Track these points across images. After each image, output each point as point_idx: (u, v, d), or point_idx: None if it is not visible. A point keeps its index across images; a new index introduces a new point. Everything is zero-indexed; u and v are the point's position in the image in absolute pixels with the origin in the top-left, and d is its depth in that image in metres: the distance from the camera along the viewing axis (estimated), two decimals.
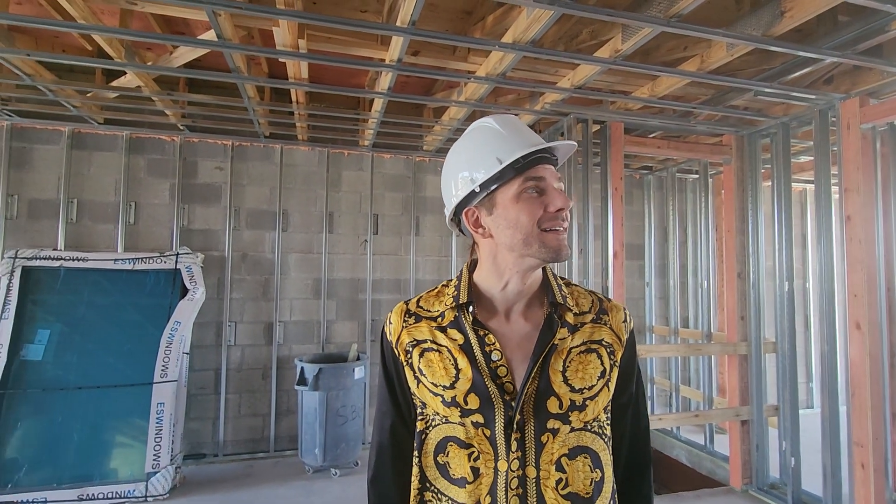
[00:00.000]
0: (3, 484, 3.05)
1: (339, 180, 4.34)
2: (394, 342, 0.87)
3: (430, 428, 0.82)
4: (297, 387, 3.61)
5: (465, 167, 0.85)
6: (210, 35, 2.39)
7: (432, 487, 0.82)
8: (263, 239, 4.13)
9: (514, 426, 0.76)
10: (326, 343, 4.20)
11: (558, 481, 0.76)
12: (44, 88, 3.04)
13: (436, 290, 0.91)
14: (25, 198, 3.66)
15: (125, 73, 2.95)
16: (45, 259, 3.52)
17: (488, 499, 0.76)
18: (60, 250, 3.62)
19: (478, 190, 0.83)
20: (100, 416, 3.30)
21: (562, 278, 0.92)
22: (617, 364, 0.85)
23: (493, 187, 0.82)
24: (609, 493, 0.81)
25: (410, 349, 0.85)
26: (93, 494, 3.10)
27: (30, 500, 3.01)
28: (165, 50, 2.81)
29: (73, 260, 3.57)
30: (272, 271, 4.12)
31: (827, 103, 2.90)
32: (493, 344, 0.80)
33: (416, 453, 0.84)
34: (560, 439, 0.77)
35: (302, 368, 3.60)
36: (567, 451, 0.77)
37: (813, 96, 2.84)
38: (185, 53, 2.70)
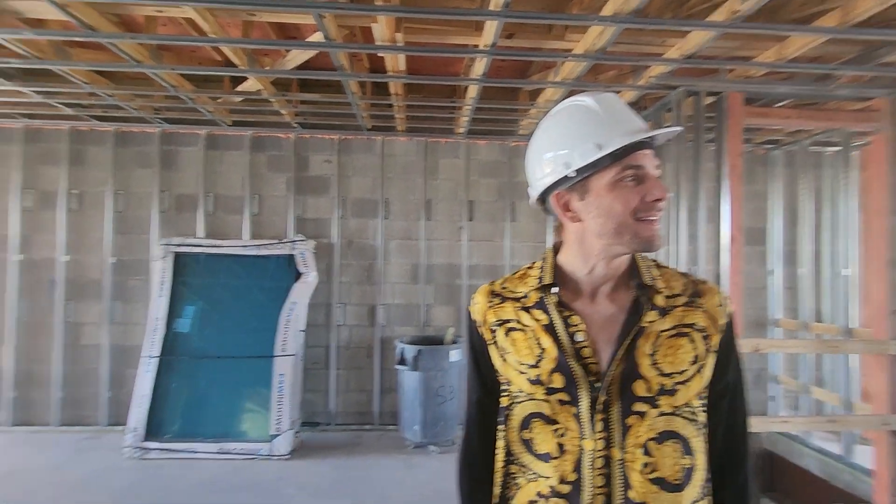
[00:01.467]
0: (161, 434, 3.64)
1: (436, 168, 4.45)
2: (479, 321, 0.90)
3: (515, 404, 0.84)
4: (397, 366, 3.82)
5: (556, 149, 0.83)
6: (317, 37, 2.58)
7: (517, 461, 0.84)
8: (367, 226, 4.39)
9: (600, 407, 0.77)
10: (425, 326, 4.38)
11: (645, 465, 0.75)
12: (185, 97, 3.50)
13: (520, 273, 0.92)
14: (174, 193, 4.27)
15: (247, 78, 3.29)
16: (189, 246, 4.09)
17: (574, 475, 0.77)
18: (201, 238, 4.18)
19: (572, 175, 0.80)
20: (233, 382, 3.79)
21: (652, 260, 0.88)
22: (712, 350, 0.81)
23: (587, 173, 0.79)
24: (700, 482, 0.78)
25: (495, 328, 0.87)
26: (229, 449, 3.58)
27: (182, 449, 3.57)
28: (280, 55, 3.08)
29: (211, 247, 4.11)
30: (375, 257, 4.37)
31: None
32: (578, 325, 0.81)
33: (501, 428, 0.86)
34: (647, 423, 0.76)
35: (402, 349, 3.79)
36: (655, 436, 0.76)
37: None
38: (297, 56, 2.94)
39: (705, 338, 0.81)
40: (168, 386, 3.77)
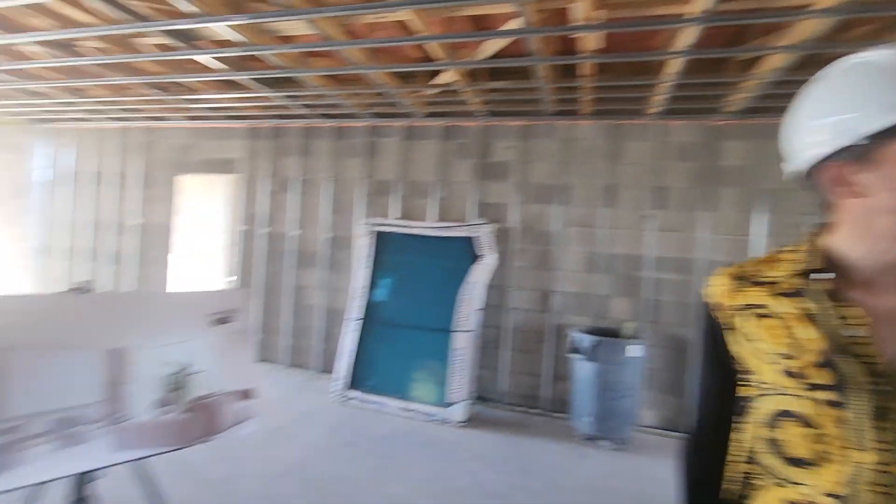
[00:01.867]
0: (360, 385, 4.25)
1: (621, 153, 4.20)
2: (715, 305, 0.85)
3: (760, 397, 0.77)
4: (571, 355, 3.77)
5: (835, 113, 0.72)
6: (514, 24, 2.64)
7: (758, 460, 0.77)
8: (545, 212, 4.39)
9: (884, 413, 0.66)
10: (600, 317, 4.22)
11: None
12: (391, 93, 3.94)
13: (768, 257, 0.84)
14: (375, 179, 4.87)
15: (443, 71, 3.55)
16: (385, 226, 4.64)
17: (844, 490, 0.68)
18: (395, 219, 4.70)
19: (862, 143, 0.69)
20: (417, 350, 4.21)
21: None
22: None
23: (881, 140, 0.67)
24: None
25: (736, 313, 0.81)
26: (414, 409, 4.00)
27: (375, 401, 4.12)
28: (474, 46, 3.25)
29: (403, 227, 4.59)
30: (551, 243, 4.35)
31: None
32: (858, 318, 0.71)
33: (739, 420, 0.80)
34: None
35: (577, 338, 3.73)
36: None
37: None
38: (491, 46, 3.06)
39: None
40: (366, 345, 4.37)
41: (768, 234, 3.82)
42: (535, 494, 2.93)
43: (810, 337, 0.73)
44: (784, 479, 0.74)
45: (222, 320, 1.54)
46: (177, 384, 1.42)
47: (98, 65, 3.67)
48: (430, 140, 4.71)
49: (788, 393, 0.73)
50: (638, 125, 4.16)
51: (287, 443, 3.39)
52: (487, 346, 4.51)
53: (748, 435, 0.79)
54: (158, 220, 5.66)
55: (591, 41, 2.82)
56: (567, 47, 3.52)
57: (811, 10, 2.26)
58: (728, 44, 3.27)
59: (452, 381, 3.98)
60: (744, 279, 0.83)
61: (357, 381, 4.28)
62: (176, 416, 1.42)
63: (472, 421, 3.99)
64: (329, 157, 4.98)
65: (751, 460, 0.78)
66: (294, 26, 2.92)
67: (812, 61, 3.09)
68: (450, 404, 3.94)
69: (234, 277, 5.39)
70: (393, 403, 4.07)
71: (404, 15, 2.63)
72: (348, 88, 4.03)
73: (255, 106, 4.69)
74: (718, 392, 0.85)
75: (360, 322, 4.42)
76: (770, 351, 0.76)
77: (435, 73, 3.79)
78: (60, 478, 1.32)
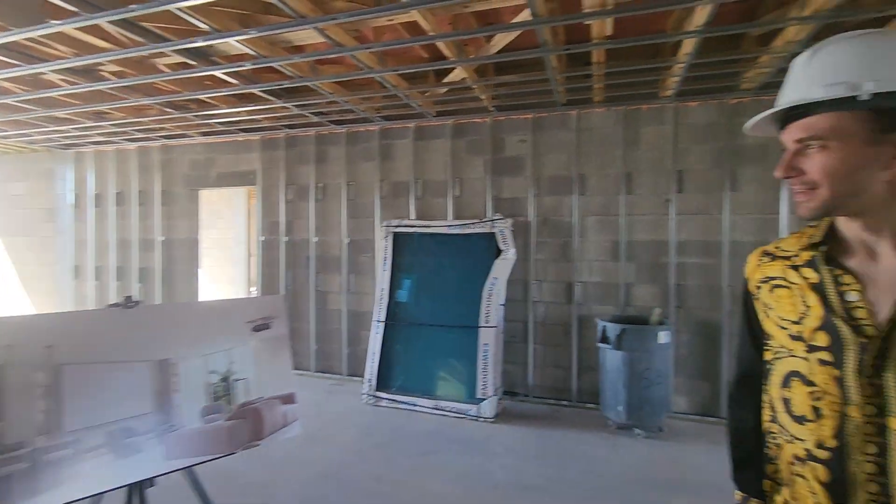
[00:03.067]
0: (389, 386, 4.29)
1: (637, 138, 4.16)
2: (748, 279, 0.94)
3: (777, 360, 0.85)
4: (599, 344, 3.75)
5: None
6: (524, 16, 2.63)
7: (777, 420, 0.85)
8: (562, 203, 4.36)
9: (869, 371, 0.72)
10: (626, 305, 4.18)
11: None
12: (401, 95, 3.96)
13: (799, 232, 0.90)
14: (390, 181, 4.90)
15: (453, 69, 3.56)
16: (404, 227, 4.66)
17: (834, 442, 0.75)
18: (413, 219, 4.72)
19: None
20: (444, 348, 4.23)
21: None
22: None
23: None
24: None
25: (761, 285, 0.90)
26: (443, 407, 4.02)
27: (405, 402, 4.15)
28: (481, 42, 3.24)
29: (421, 227, 4.61)
30: (571, 234, 4.33)
31: None
32: (850, 284, 0.77)
33: (765, 383, 0.88)
34: None
35: (604, 327, 3.70)
36: None
37: None
38: (500, 40, 3.05)
39: None
40: (393, 347, 4.40)
41: (793, 211, 3.74)
42: (574, 484, 2.92)
43: (813, 304, 0.79)
44: (792, 437, 0.80)
45: (261, 327, 1.58)
46: (222, 391, 1.45)
47: (118, 87, 3.77)
48: (441, 139, 4.73)
49: (796, 355, 0.80)
50: (653, 109, 4.11)
51: (322, 446, 3.44)
52: (513, 340, 4.50)
53: (771, 396, 0.86)
54: (182, 235, 5.79)
55: (600, 28, 2.80)
56: (576, 35, 3.49)
57: None
58: (743, 19, 3.22)
59: (480, 377, 3.99)
60: (767, 255, 0.92)
61: (385, 382, 4.32)
62: (223, 422, 1.46)
63: (502, 416, 4.00)
64: (343, 163, 5.03)
65: (774, 420, 0.85)
66: (304, 35, 2.96)
67: (827, 31, 3.02)
68: (480, 400, 3.95)
69: (256, 287, 5.49)
70: (423, 403, 4.10)
71: (413, 15, 2.64)
72: (359, 93, 4.06)
73: (268, 117, 4.75)
74: (751, 358, 0.94)
75: (385, 324, 4.46)
76: (783, 317, 0.84)
77: (444, 72, 3.80)
78: (115, 488, 1.37)
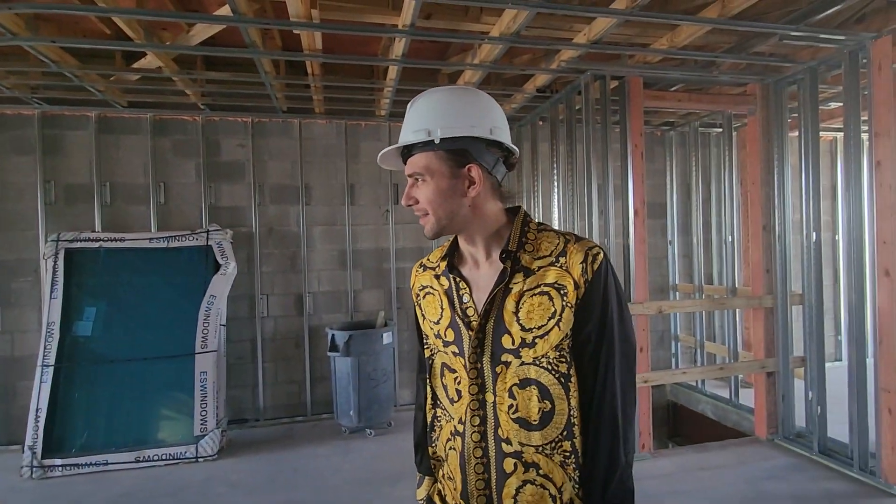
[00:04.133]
0: (68, 448, 3.31)
1: (359, 152, 4.38)
2: (412, 288, 1.08)
3: (434, 355, 1.00)
4: (329, 353, 3.77)
5: (498, 123, 0.92)
6: (225, 11, 2.42)
7: (439, 404, 0.99)
8: (288, 213, 4.23)
9: (474, 357, 0.89)
10: (355, 312, 4.34)
11: (510, 406, 0.88)
12: (69, 74, 3.13)
13: (441, 247, 1.05)
14: (61, 183, 3.82)
15: (145, 54, 3.01)
16: (85, 241, 3.70)
17: (467, 414, 0.91)
18: (99, 232, 3.79)
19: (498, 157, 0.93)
20: (149, 385, 3.52)
21: (540, 223, 0.97)
22: (570, 305, 0.86)
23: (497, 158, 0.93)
24: (562, 424, 0.87)
25: (419, 292, 1.05)
26: (149, 456, 3.34)
27: (93, 462, 3.28)
28: (181, 29, 2.85)
29: (112, 241, 3.74)
30: (298, 244, 4.24)
31: (857, 44, 2.77)
32: (464, 288, 0.94)
33: (429, 375, 1.02)
34: (512, 371, 0.88)
35: (333, 335, 3.74)
36: (518, 381, 0.88)
37: (842, 37, 2.72)
38: (202, 31, 2.73)
39: (563, 294, 0.86)
40: (69, 395, 3.42)
41: None
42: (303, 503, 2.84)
43: (445, 306, 0.96)
44: (449, 416, 0.96)
45: None
46: None
47: None
48: (138, 135, 3.96)
49: (440, 349, 0.97)
50: (372, 126, 4.39)
51: None
52: (240, 362, 4.12)
53: (433, 385, 1.01)
54: None
55: (312, 40, 2.82)
56: (291, 44, 3.44)
57: (488, 37, 2.77)
58: (436, 57, 3.75)
59: (199, 411, 3.48)
60: (422, 266, 1.06)
61: (59, 444, 3.31)
62: None
63: (228, 449, 3.59)
64: None
65: (436, 405, 1.00)
66: None
67: (496, 78, 3.82)
68: (200, 437, 3.45)
69: None
70: (118, 458, 3.31)
71: None
72: (2, 63, 3.03)
73: None
74: (420, 356, 1.07)
75: (57, 367, 3.43)
76: (430, 319, 0.99)
77: (134, 56, 3.19)
78: None
